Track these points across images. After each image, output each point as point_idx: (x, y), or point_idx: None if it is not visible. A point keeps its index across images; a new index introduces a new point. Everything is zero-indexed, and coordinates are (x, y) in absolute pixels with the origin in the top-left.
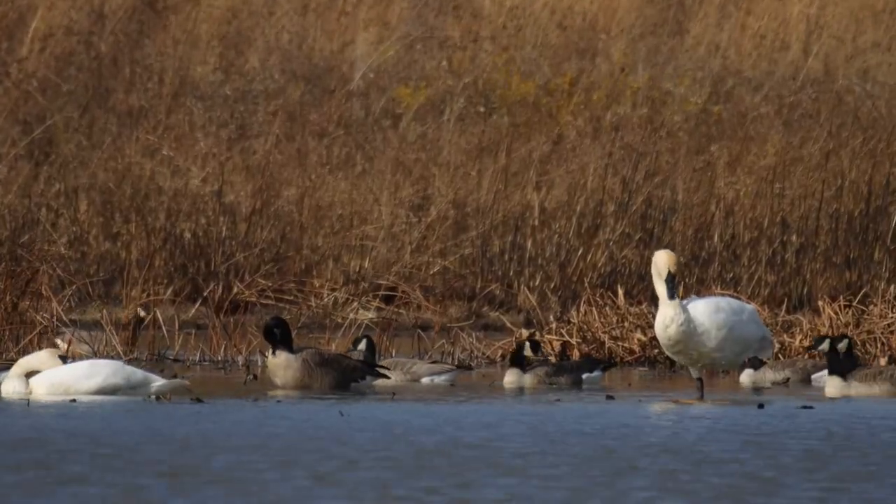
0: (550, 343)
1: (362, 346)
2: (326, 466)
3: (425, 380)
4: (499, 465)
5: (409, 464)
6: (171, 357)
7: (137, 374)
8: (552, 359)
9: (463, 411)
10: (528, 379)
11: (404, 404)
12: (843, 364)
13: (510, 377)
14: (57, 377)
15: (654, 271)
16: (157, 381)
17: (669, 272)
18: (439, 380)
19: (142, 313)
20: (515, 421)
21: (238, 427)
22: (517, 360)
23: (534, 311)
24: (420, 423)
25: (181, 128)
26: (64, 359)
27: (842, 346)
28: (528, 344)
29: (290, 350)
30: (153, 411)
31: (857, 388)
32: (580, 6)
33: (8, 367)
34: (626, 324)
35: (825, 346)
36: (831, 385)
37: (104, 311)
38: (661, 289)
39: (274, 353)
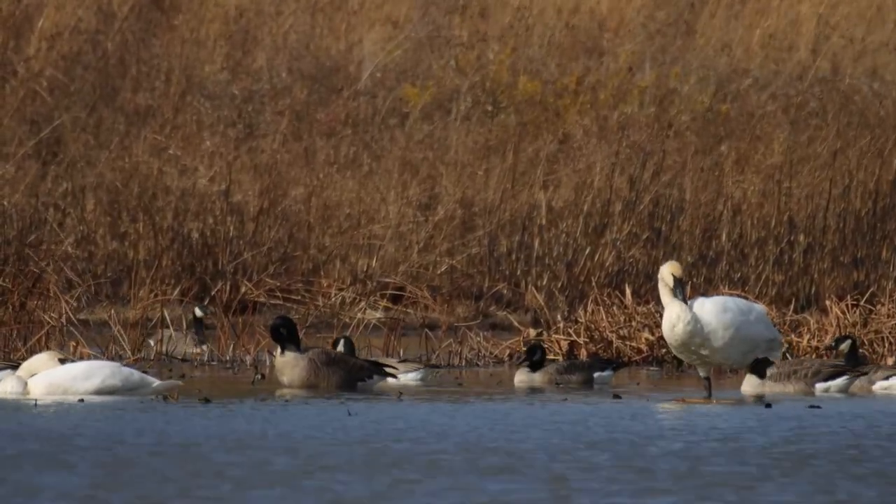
0: (558, 342)
1: (340, 346)
2: (399, 470)
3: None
4: (581, 466)
5: (494, 465)
6: (179, 357)
7: (135, 375)
8: (559, 359)
9: (500, 411)
10: (539, 378)
11: (436, 405)
12: (764, 365)
13: (521, 376)
14: (55, 378)
15: (660, 285)
16: (154, 382)
17: (675, 277)
18: (405, 378)
19: (199, 313)
20: (573, 421)
21: (294, 427)
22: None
23: (541, 310)
24: (467, 423)
25: (188, 127)
26: (63, 361)
27: (844, 346)
28: (539, 350)
29: (298, 349)
30: (176, 412)
31: (770, 387)
32: (587, 5)
33: (10, 367)
34: (633, 323)
35: (846, 346)
36: (748, 384)
37: (112, 310)
38: (666, 300)
39: (283, 352)
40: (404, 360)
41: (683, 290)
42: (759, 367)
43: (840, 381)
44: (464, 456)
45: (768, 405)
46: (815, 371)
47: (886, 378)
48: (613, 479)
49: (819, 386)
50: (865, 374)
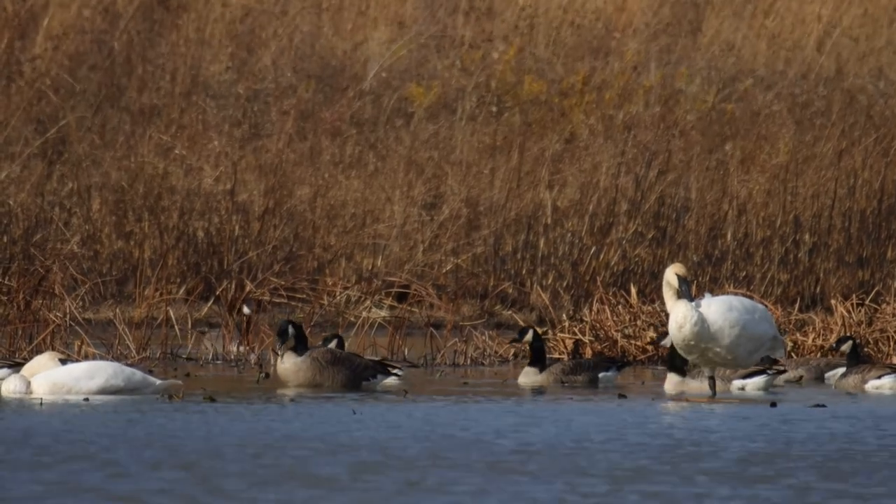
0: (563, 341)
1: (332, 345)
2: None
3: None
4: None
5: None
6: (184, 356)
7: (136, 375)
8: (564, 358)
9: (531, 411)
10: (544, 377)
11: (454, 406)
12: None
13: (525, 377)
14: (59, 377)
15: (665, 288)
16: (155, 382)
17: (679, 277)
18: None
19: (246, 311)
20: (620, 423)
21: (327, 428)
22: (535, 360)
23: (546, 309)
24: (496, 424)
25: (194, 127)
26: (63, 361)
27: (845, 347)
28: (531, 331)
29: (302, 349)
30: (202, 412)
31: (690, 385)
32: (593, 5)
33: (11, 366)
34: (638, 322)
35: (847, 346)
36: (669, 382)
37: (117, 309)
38: (670, 302)
39: (282, 358)
40: (383, 359)
41: (689, 287)
42: (678, 366)
43: (758, 379)
44: (540, 458)
45: (773, 404)
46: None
47: (879, 377)
48: (666, 482)
49: (736, 383)
50: (783, 371)
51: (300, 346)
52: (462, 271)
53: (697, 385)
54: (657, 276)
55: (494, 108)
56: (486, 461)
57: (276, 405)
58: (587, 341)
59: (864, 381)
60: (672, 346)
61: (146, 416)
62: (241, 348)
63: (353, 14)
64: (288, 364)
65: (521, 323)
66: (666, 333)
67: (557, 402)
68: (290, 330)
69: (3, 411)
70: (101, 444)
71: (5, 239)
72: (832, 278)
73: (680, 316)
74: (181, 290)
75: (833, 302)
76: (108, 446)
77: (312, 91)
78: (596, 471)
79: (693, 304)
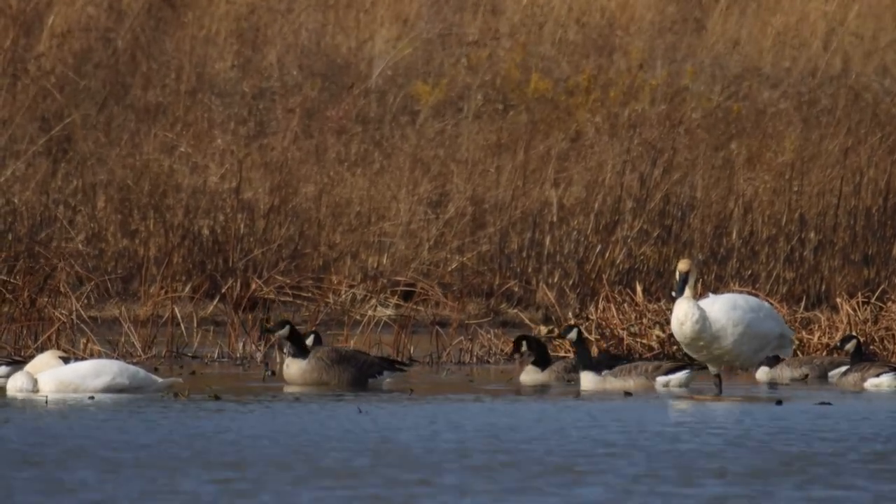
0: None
1: (310, 340)
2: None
3: None
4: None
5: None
6: (190, 354)
7: (140, 373)
8: (570, 356)
9: (555, 410)
10: (545, 375)
11: (467, 405)
12: (598, 358)
13: (528, 375)
14: (65, 376)
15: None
16: (158, 381)
17: (680, 272)
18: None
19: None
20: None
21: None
22: (537, 359)
23: (552, 307)
24: (508, 422)
25: (199, 125)
26: (66, 360)
27: (849, 346)
28: (525, 341)
29: (302, 352)
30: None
31: (611, 383)
32: (599, 3)
33: (11, 364)
34: (644, 320)
35: (851, 345)
36: (585, 379)
37: (122, 308)
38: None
39: (286, 363)
40: (385, 357)
41: (684, 284)
42: (590, 362)
43: (680, 375)
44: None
45: (779, 402)
46: (656, 366)
47: (877, 375)
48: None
49: (660, 380)
50: (705, 367)
51: (300, 350)
52: (467, 269)
53: (620, 383)
54: (662, 275)
55: (500, 106)
56: (548, 461)
57: (284, 404)
58: (593, 339)
59: (864, 380)
60: (580, 343)
61: (171, 416)
62: (248, 347)
63: (358, 11)
64: (294, 369)
65: (527, 321)
66: (570, 327)
67: (580, 401)
68: (287, 329)
69: (16, 410)
70: (141, 443)
71: (10, 237)
72: (838, 276)
73: (681, 313)
74: (186, 289)
75: (838, 300)
76: (147, 445)
77: (318, 89)
78: (644, 470)
79: (694, 301)
